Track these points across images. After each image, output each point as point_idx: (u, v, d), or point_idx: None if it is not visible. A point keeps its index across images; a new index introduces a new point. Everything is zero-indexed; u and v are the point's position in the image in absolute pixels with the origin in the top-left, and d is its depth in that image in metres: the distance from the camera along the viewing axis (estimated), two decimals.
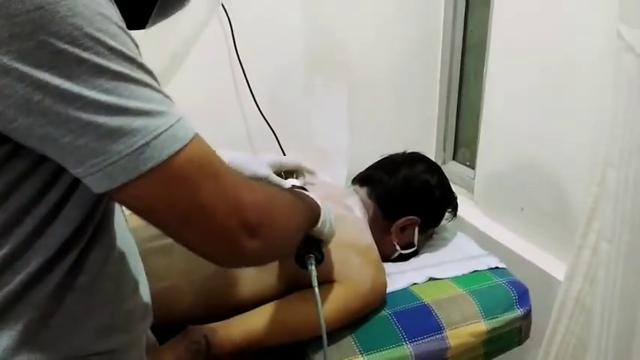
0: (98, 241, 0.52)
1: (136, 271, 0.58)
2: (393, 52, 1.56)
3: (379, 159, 1.25)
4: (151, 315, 0.62)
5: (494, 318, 1.03)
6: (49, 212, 0.47)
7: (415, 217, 1.15)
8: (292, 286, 0.94)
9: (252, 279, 0.92)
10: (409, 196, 1.15)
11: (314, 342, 0.91)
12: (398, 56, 1.56)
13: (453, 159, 1.67)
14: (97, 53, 0.41)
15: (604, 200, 0.83)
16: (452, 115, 1.62)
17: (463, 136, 1.63)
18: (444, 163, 1.67)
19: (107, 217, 0.53)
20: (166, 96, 0.46)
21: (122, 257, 0.56)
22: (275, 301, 0.91)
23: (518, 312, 1.06)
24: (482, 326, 1.02)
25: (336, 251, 0.94)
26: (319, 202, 0.79)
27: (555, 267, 1.19)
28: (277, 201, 0.60)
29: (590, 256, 0.89)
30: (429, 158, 1.24)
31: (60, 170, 0.46)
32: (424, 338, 0.97)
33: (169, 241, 0.91)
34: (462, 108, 1.61)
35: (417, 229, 1.16)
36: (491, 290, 1.08)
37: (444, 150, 1.66)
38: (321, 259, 0.82)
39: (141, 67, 0.44)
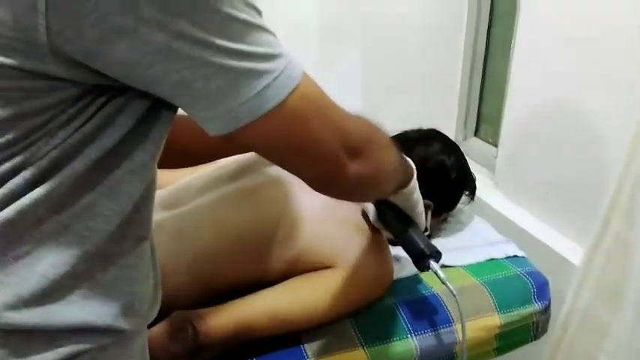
0: (137, 219, 0.53)
1: (153, 257, 0.60)
2: (413, 18, 1.45)
3: (393, 135, 1.16)
4: (158, 304, 0.62)
5: (510, 312, 0.96)
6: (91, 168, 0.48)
7: (428, 201, 1.06)
8: (289, 272, 0.87)
9: (245, 262, 0.86)
10: (423, 178, 1.06)
11: (309, 329, 0.85)
12: (418, 23, 1.46)
13: (475, 135, 1.57)
14: (229, 3, 0.44)
15: (628, 197, 0.73)
16: (475, 88, 1.51)
17: (486, 111, 1.52)
18: (464, 139, 1.57)
19: (147, 199, 0.54)
20: (275, 35, 0.49)
21: (147, 241, 0.57)
22: (270, 288, 0.85)
23: (536, 306, 0.98)
24: (495, 320, 0.94)
25: (336, 232, 0.87)
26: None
27: (579, 256, 1.10)
28: (377, 134, 0.64)
29: (605, 261, 0.80)
30: (446, 136, 1.15)
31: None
32: (431, 331, 0.90)
33: (159, 217, 0.88)
34: (486, 81, 1.50)
35: (430, 213, 1.07)
36: (508, 281, 1.00)
37: (465, 125, 1.56)
38: (439, 254, 0.85)
39: (257, 11, 0.47)
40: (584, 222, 1.13)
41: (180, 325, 0.77)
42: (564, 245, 1.16)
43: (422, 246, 0.84)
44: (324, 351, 0.84)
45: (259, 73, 0.46)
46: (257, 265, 0.86)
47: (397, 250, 1.05)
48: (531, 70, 1.23)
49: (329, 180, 0.57)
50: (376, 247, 0.91)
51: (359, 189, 0.63)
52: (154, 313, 0.61)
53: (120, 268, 0.52)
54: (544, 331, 1.02)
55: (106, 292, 0.52)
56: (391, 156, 0.68)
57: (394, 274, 0.96)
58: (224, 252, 0.85)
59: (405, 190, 0.80)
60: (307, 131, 0.51)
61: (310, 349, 0.84)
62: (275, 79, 0.47)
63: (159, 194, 0.96)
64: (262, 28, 0.47)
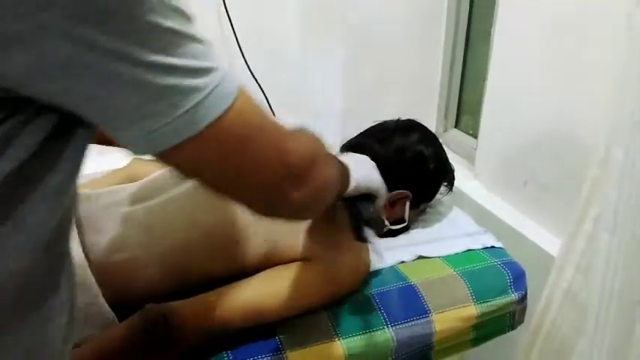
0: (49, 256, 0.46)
1: (70, 294, 0.51)
2: (393, 10, 1.44)
3: (371, 125, 1.15)
4: (73, 339, 0.54)
5: (486, 302, 0.96)
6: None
7: (406, 191, 1.06)
8: (265, 264, 0.86)
9: (218, 255, 0.85)
10: (401, 168, 1.06)
11: (285, 321, 0.84)
12: (399, 14, 1.45)
13: (455, 127, 1.57)
14: (150, 9, 0.38)
15: (607, 184, 0.74)
16: (456, 79, 1.51)
17: (467, 103, 1.52)
18: (445, 130, 1.57)
19: (62, 230, 0.48)
20: (210, 45, 0.43)
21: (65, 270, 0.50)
22: (245, 280, 0.83)
23: (513, 296, 0.98)
24: (472, 310, 0.94)
25: (311, 225, 0.86)
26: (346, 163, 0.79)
27: (557, 247, 1.10)
28: (319, 150, 0.58)
29: (584, 244, 0.80)
30: (425, 127, 1.14)
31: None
32: (408, 322, 0.90)
33: (130, 209, 0.86)
34: (467, 72, 1.50)
35: (408, 204, 1.07)
36: (485, 272, 1.01)
37: (446, 117, 1.56)
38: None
39: (187, 18, 0.41)
40: (561, 214, 1.14)
41: (153, 318, 0.76)
42: (541, 236, 1.17)
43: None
44: (301, 343, 0.83)
45: (187, 90, 0.40)
46: (230, 258, 0.85)
47: (375, 242, 1.05)
48: (511, 62, 1.23)
49: (271, 206, 0.53)
50: (353, 239, 0.91)
51: (303, 211, 0.60)
52: (70, 346, 0.54)
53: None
54: (521, 321, 1.02)
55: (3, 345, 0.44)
56: (333, 171, 0.64)
57: (372, 265, 0.95)
58: (195, 245, 0.83)
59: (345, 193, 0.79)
60: (244, 155, 0.46)
61: (286, 341, 0.83)
62: (206, 96, 0.41)
63: (130, 187, 0.94)
64: (192, 38, 0.41)
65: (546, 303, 0.93)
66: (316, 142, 0.59)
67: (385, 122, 1.14)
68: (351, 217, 0.83)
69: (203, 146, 0.43)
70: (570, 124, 1.09)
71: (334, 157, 0.69)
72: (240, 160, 0.47)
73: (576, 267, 0.85)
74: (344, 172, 0.76)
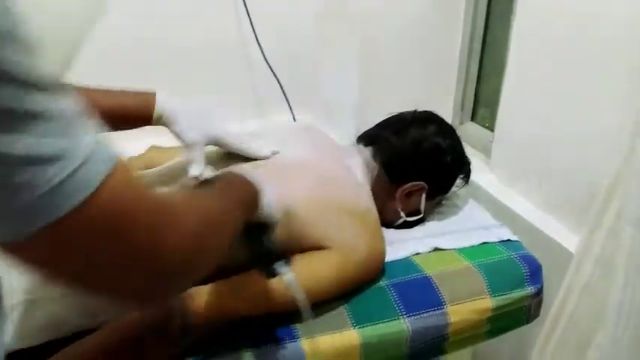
0: None
1: None
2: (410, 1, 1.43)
3: (387, 116, 1.15)
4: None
5: (502, 295, 0.95)
6: None
7: (422, 183, 1.06)
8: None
9: (232, 245, 0.85)
10: (417, 160, 1.06)
11: (297, 313, 0.84)
12: (415, 4, 1.43)
13: (472, 120, 1.56)
14: None
15: (630, 177, 0.73)
16: (473, 70, 1.50)
17: (484, 95, 1.51)
18: (461, 123, 1.56)
19: None
20: (69, 120, 0.33)
21: None
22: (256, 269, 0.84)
23: (529, 290, 0.98)
24: (487, 303, 0.94)
25: (328, 215, 0.86)
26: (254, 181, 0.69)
27: (573, 240, 1.09)
28: (210, 226, 0.49)
29: (605, 238, 0.80)
30: (442, 118, 1.14)
31: None
32: (423, 313, 0.90)
33: None
34: (484, 63, 1.49)
35: (424, 196, 1.07)
36: (501, 264, 1.00)
37: (462, 109, 1.55)
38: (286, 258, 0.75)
39: (33, 85, 0.31)
40: (577, 208, 1.13)
41: (169, 303, 0.76)
42: (557, 230, 1.16)
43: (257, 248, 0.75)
44: (316, 331, 0.84)
45: (17, 186, 0.31)
46: (244, 247, 0.85)
47: (391, 234, 1.05)
48: (530, 55, 1.21)
49: (141, 301, 0.46)
50: (367, 230, 0.91)
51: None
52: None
53: None
54: (536, 314, 1.02)
55: None
56: (229, 232, 0.56)
57: (387, 256, 0.95)
58: None
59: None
60: (103, 257, 0.38)
61: (302, 329, 0.84)
62: (53, 189, 0.32)
63: (147, 174, 0.95)
64: (33, 115, 0.31)
65: (564, 296, 0.92)
66: (214, 209, 0.52)
67: (402, 114, 1.14)
68: (255, 250, 0.75)
69: (42, 249, 0.35)
70: (589, 117, 1.07)
71: (242, 195, 0.64)
72: (99, 262, 0.38)
73: (596, 260, 0.84)
74: (255, 199, 0.69)
